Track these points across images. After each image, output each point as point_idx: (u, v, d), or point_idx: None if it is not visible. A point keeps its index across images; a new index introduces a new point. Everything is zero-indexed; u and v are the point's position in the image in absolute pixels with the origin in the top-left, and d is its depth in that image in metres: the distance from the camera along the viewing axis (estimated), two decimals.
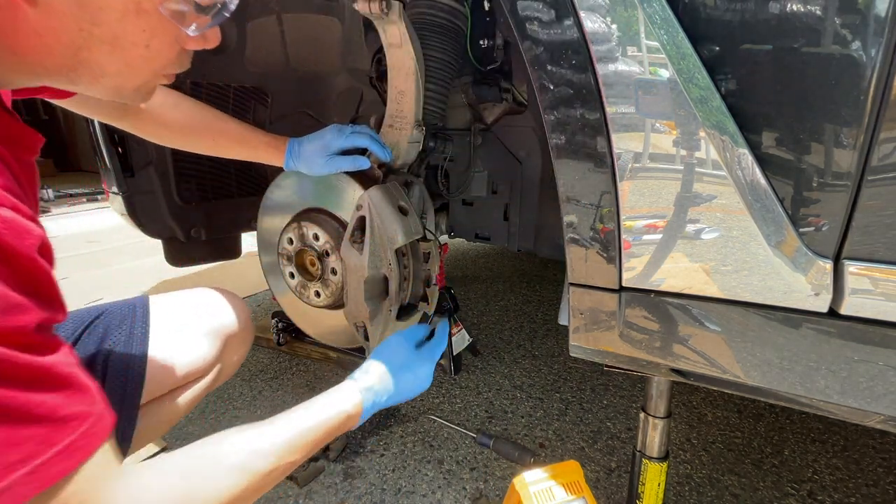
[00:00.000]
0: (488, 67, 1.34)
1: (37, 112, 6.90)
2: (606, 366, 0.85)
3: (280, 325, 1.78)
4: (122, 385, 0.72)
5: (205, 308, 0.90)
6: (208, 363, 0.86)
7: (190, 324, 0.86)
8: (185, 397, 0.85)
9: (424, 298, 1.27)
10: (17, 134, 0.48)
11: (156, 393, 0.79)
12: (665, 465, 0.92)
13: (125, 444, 0.71)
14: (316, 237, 1.23)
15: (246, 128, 1.00)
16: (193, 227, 1.59)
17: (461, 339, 1.68)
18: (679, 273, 0.69)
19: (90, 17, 0.43)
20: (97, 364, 0.72)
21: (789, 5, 0.55)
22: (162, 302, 0.87)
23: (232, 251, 1.79)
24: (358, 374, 0.74)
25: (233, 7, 0.50)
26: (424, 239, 1.21)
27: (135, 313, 0.81)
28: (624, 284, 0.73)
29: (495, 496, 1.14)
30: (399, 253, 1.18)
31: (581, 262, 0.76)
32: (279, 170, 1.13)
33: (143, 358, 0.76)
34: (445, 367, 1.64)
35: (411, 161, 1.28)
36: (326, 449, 1.26)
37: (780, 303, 0.64)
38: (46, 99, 0.69)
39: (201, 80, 1.46)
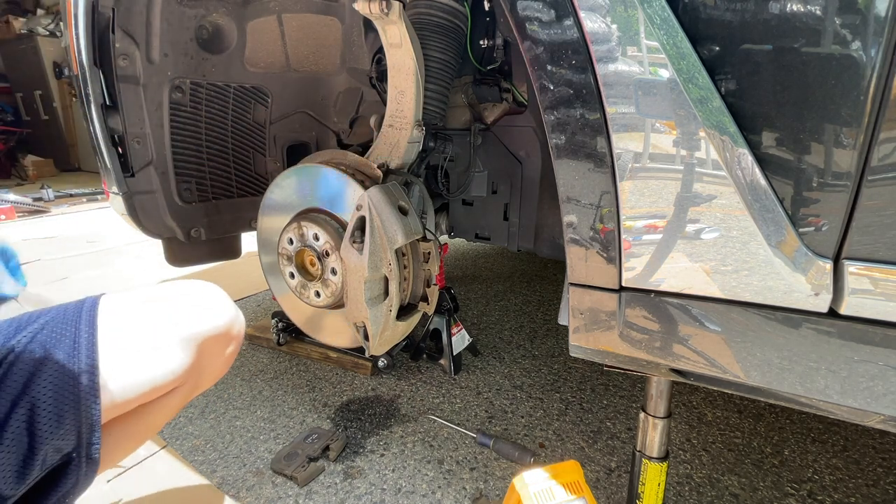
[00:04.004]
0: (488, 67, 1.35)
1: (37, 112, 6.88)
2: (606, 366, 0.85)
3: (280, 325, 1.78)
4: (75, 402, 0.64)
5: (176, 309, 0.78)
6: (180, 376, 0.76)
7: (157, 330, 0.74)
8: (158, 412, 0.77)
9: (424, 298, 1.27)
10: None
11: (118, 412, 0.70)
12: (665, 465, 0.92)
13: (91, 466, 0.66)
14: (316, 237, 1.23)
15: None
16: (193, 227, 1.58)
17: (461, 339, 1.68)
18: (679, 273, 0.69)
19: None
20: (39, 380, 0.63)
21: (789, 5, 0.55)
22: (121, 303, 0.74)
23: (232, 251, 1.79)
24: None
25: None
26: (424, 239, 1.21)
27: (79, 319, 0.69)
28: (624, 284, 0.73)
29: (495, 496, 1.14)
30: (399, 253, 1.18)
31: (581, 262, 0.76)
32: (279, 169, 1.13)
33: (93, 370, 0.66)
34: (445, 368, 1.64)
35: (411, 161, 1.28)
36: (326, 449, 1.26)
37: (780, 303, 0.64)
38: None
39: (201, 80, 1.47)
